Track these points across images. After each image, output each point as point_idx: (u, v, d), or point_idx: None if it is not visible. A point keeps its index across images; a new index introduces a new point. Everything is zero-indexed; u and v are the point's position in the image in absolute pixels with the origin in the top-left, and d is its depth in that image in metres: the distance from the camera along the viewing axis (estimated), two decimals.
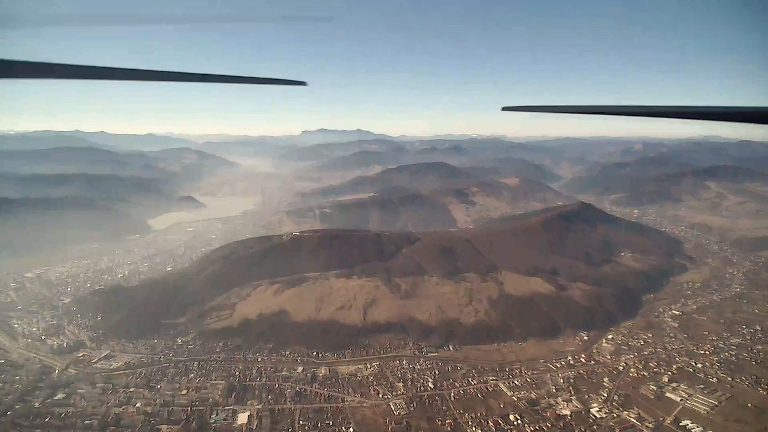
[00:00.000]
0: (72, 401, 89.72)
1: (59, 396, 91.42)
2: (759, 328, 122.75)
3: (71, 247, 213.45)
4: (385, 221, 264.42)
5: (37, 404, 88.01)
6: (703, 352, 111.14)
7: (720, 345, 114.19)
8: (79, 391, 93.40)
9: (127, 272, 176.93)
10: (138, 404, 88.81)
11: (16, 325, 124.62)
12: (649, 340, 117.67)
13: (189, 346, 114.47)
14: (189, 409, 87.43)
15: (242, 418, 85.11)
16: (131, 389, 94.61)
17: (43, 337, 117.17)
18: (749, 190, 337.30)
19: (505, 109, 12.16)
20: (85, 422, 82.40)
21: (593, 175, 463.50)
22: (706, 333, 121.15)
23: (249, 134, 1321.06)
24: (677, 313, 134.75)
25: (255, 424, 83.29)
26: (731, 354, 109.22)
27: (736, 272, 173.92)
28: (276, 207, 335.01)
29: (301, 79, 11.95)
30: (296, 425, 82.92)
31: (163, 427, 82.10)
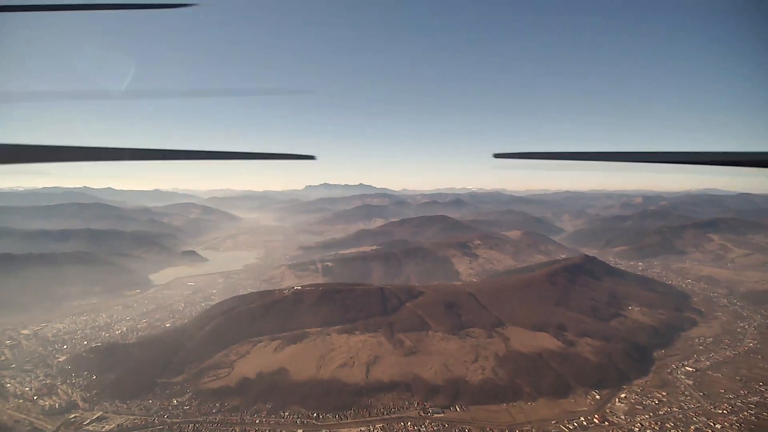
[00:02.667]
0: None
1: None
2: None
3: (71, 302, 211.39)
4: (387, 274, 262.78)
5: None
6: (720, 411, 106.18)
7: (738, 404, 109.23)
8: None
9: (125, 329, 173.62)
10: None
11: (9, 385, 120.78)
12: (664, 399, 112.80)
13: (184, 407, 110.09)
14: None
15: None
16: None
17: (35, 398, 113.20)
18: (753, 242, 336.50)
19: (497, 156, 12.29)
20: None
21: (595, 228, 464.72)
22: (723, 391, 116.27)
23: (253, 189, 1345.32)
24: (691, 369, 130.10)
25: None
26: (750, 413, 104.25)
27: (747, 326, 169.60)
28: (278, 261, 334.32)
29: (310, 153, 12.08)
30: None
31: None
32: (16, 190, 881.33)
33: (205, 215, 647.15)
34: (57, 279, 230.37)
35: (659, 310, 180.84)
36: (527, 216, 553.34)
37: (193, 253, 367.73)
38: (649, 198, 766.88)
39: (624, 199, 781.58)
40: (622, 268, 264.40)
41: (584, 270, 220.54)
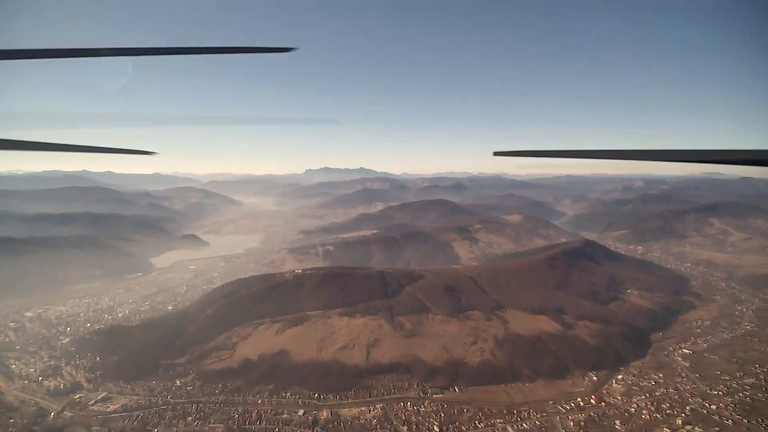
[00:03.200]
0: None
1: None
2: None
3: (73, 286, 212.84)
4: (388, 258, 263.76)
5: None
6: (716, 392, 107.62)
7: (734, 385, 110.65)
8: None
9: (127, 311, 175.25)
10: None
11: (14, 366, 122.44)
12: (661, 381, 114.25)
13: (188, 388, 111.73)
14: None
15: None
16: None
17: (39, 379, 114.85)
18: (753, 226, 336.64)
19: (497, 154, 12.28)
20: None
21: (595, 212, 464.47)
22: (719, 373, 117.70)
23: (253, 173, 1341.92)
24: (688, 352, 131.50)
25: None
26: (746, 395, 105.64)
27: (745, 310, 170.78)
28: (279, 245, 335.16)
29: (291, 46, 11.84)
30: None
31: None
32: (15, 173, 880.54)
33: (205, 199, 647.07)
34: (58, 262, 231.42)
35: (658, 294, 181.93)
36: (528, 200, 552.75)
37: (193, 237, 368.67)
38: (651, 182, 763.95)
39: (625, 183, 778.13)
40: (622, 252, 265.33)
41: (584, 254, 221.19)
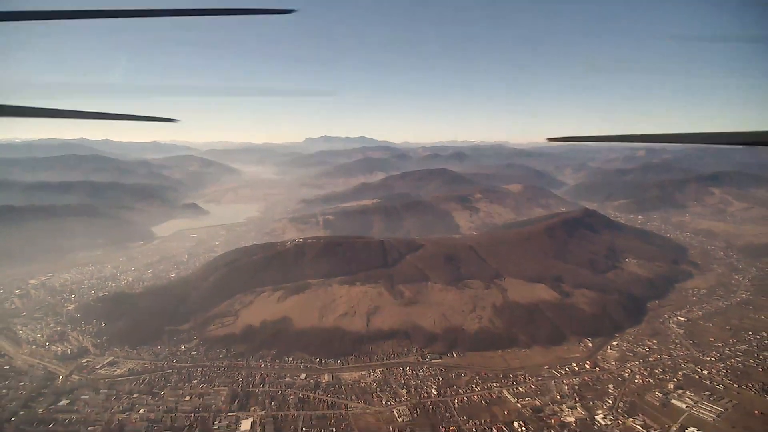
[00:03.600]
0: (76, 408, 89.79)
1: (63, 402, 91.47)
2: (766, 335, 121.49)
3: (75, 254, 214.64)
4: (388, 228, 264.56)
5: (41, 410, 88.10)
6: (709, 359, 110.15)
7: (726, 352, 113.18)
8: (82, 397, 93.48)
9: (130, 279, 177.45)
10: (141, 411, 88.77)
11: (21, 332, 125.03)
12: (655, 347, 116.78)
13: (192, 353, 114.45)
14: (192, 415, 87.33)
15: (245, 424, 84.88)
16: (135, 396, 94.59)
17: (47, 344, 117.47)
18: (754, 196, 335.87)
19: (550, 140, 12.81)
20: (89, 428, 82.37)
21: (596, 182, 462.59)
22: (712, 340, 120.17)
23: (252, 141, 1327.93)
24: (683, 319, 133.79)
25: (258, 430, 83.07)
26: (738, 361, 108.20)
27: (742, 279, 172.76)
28: (279, 214, 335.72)
29: (289, 8, 11.64)
30: None
31: None
32: (13, 141, 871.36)
33: (204, 168, 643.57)
34: (60, 231, 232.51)
35: (656, 263, 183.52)
36: (529, 169, 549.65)
37: (194, 205, 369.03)
38: (653, 151, 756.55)
39: (627, 152, 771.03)
40: (622, 222, 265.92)
41: (583, 223, 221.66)
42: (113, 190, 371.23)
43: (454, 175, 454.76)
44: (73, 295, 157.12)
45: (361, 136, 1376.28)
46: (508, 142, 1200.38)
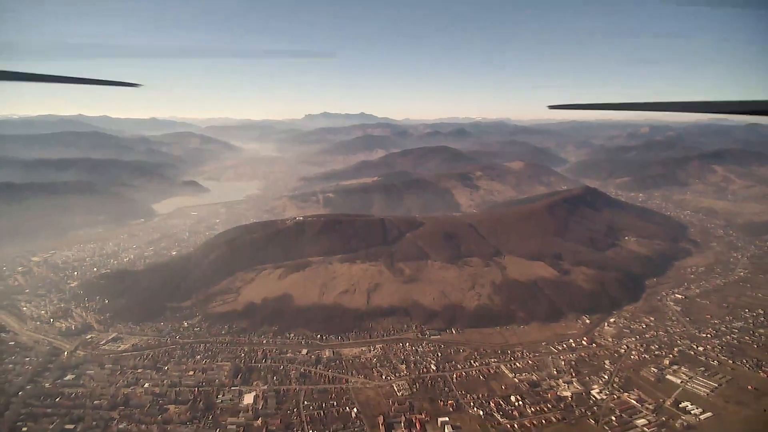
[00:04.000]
0: (81, 382, 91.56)
1: (69, 377, 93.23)
2: (762, 312, 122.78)
3: (76, 231, 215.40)
4: (388, 206, 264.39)
5: (47, 385, 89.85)
6: (704, 335, 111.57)
7: (722, 329, 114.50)
8: (88, 372, 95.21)
9: (132, 256, 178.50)
10: (146, 385, 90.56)
11: (25, 308, 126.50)
12: (651, 324, 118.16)
13: (195, 329, 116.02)
14: (196, 389, 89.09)
15: (248, 398, 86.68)
16: (139, 370, 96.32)
17: (51, 320, 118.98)
18: (756, 174, 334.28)
19: (552, 107, 12.52)
20: (95, 402, 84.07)
21: (599, 159, 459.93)
22: (709, 317, 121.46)
23: (252, 118, 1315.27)
24: (680, 297, 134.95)
25: (261, 404, 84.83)
26: (733, 337, 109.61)
27: (740, 257, 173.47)
28: (279, 192, 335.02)
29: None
30: (301, 406, 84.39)
31: (171, 407, 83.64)
32: (10, 118, 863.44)
33: (204, 145, 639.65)
34: (60, 208, 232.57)
35: (655, 241, 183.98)
36: (531, 146, 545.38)
37: (194, 183, 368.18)
38: (656, 128, 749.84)
39: (630, 129, 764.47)
40: (623, 200, 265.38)
41: (584, 201, 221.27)
42: (113, 167, 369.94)
43: (454, 152, 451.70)
44: (75, 272, 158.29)
45: (362, 113, 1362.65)
46: (510, 118, 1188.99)
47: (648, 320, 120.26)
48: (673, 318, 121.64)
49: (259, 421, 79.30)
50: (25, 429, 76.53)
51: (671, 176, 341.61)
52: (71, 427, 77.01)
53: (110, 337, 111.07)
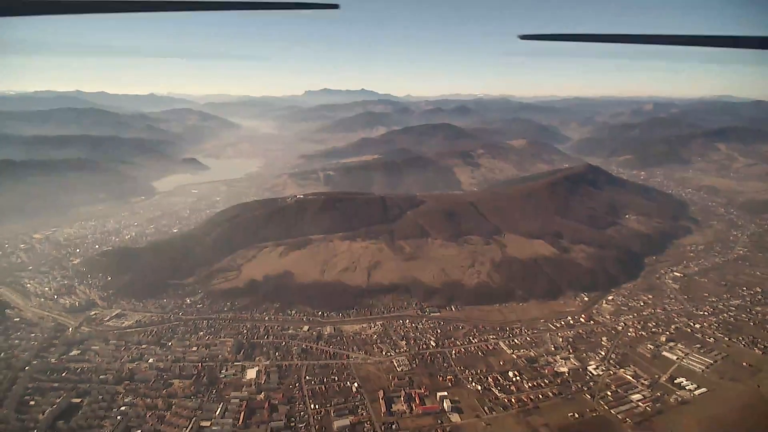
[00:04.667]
0: (87, 357, 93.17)
1: (74, 352, 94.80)
2: (759, 290, 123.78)
3: (78, 208, 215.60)
4: (389, 184, 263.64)
5: (53, 360, 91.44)
6: (702, 313, 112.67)
7: (719, 306, 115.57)
8: (93, 348, 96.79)
9: (134, 234, 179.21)
10: (150, 360, 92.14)
11: (29, 285, 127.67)
12: (649, 302, 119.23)
13: (197, 306, 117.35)
14: (200, 365, 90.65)
15: (251, 373, 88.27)
16: (143, 346, 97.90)
17: (55, 297, 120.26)
18: (760, 152, 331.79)
19: (523, 37, 11.81)
20: (101, 377, 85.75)
21: (601, 137, 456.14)
22: (707, 295, 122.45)
23: (251, 94, 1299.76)
24: (679, 275, 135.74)
25: (263, 379, 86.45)
26: (730, 315, 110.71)
27: (740, 235, 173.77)
28: (280, 169, 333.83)
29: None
30: (303, 380, 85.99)
31: (176, 381, 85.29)
32: (6, 94, 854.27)
33: (203, 122, 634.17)
34: (61, 186, 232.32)
35: (656, 219, 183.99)
36: (534, 124, 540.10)
37: (194, 160, 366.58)
38: (661, 105, 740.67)
39: (634, 106, 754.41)
40: (624, 178, 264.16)
41: (586, 179, 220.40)
42: (112, 144, 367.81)
43: (456, 130, 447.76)
44: (77, 250, 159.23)
45: (362, 89, 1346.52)
46: (513, 95, 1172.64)
47: (646, 298, 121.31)
48: (671, 296, 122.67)
49: (262, 396, 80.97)
50: (32, 403, 78.24)
51: (674, 154, 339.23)
52: (78, 401, 78.72)
53: (114, 314, 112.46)
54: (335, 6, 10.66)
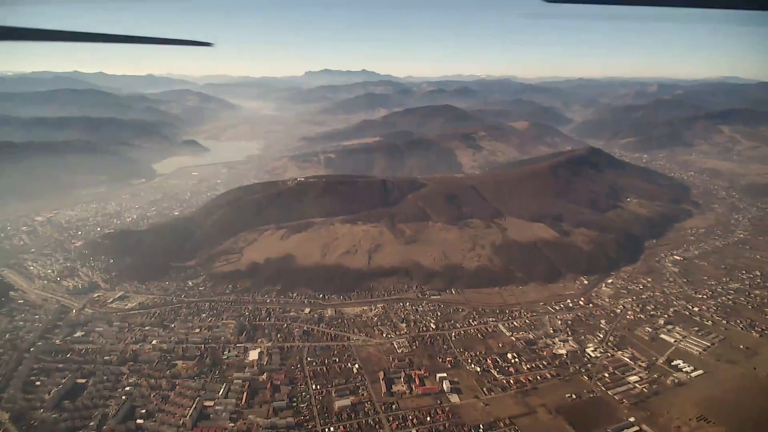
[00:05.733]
0: (91, 339, 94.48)
1: (78, 334, 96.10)
2: (759, 274, 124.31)
3: (78, 191, 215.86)
4: (390, 167, 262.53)
5: (58, 341, 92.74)
6: (700, 296, 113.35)
7: (718, 289, 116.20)
8: (96, 329, 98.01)
9: (135, 216, 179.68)
10: (154, 342, 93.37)
11: (32, 268, 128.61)
12: (649, 285, 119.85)
13: (200, 288, 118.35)
14: (202, 346, 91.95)
15: (253, 354, 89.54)
16: (146, 328, 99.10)
17: (58, 279, 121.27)
18: (764, 135, 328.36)
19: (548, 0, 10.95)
20: (105, 358, 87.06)
21: (604, 119, 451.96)
22: (706, 278, 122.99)
23: (251, 75, 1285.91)
24: (678, 258, 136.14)
25: (265, 360, 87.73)
26: (728, 298, 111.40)
27: (741, 218, 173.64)
28: (280, 151, 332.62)
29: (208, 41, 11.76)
30: (304, 362, 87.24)
31: (179, 362, 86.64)
32: (4, 74, 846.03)
33: (202, 103, 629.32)
34: (61, 167, 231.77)
35: (657, 202, 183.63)
36: (536, 105, 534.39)
37: (194, 142, 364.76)
38: (665, 86, 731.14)
39: (638, 87, 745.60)
40: (627, 161, 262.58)
41: (588, 162, 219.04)
42: (111, 126, 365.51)
43: (458, 111, 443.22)
44: (79, 232, 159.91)
45: (363, 70, 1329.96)
46: (516, 76, 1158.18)
47: (645, 281, 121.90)
48: (670, 279, 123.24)
49: (264, 376, 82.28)
50: (38, 383, 79.69)
51: (677, 136, 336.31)
52: (83, 381, 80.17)
53: (117, 296, 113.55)
54: (209, 44, 11.30)
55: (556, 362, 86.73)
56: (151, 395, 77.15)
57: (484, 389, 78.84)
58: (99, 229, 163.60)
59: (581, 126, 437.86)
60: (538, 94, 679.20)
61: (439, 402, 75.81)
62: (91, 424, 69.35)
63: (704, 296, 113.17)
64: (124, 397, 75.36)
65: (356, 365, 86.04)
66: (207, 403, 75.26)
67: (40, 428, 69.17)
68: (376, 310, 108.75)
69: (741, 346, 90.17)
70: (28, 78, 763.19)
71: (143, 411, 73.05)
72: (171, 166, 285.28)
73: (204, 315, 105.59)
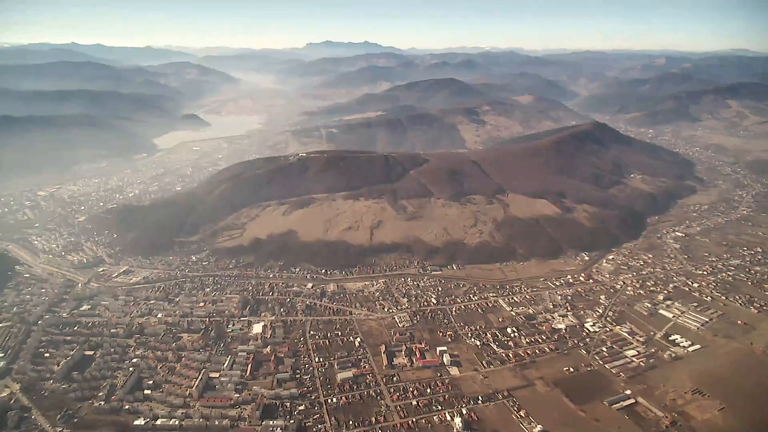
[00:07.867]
0: (97, 312, 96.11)
1: (85, 307, 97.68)
2: (760, 250, 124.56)
3: (80, 165, 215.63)
4: (392, 142, 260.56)
5: (65, 315, 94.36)
6: (701, 272, 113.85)
7: (719, 266, 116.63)
8: (102, 303, 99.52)
9: (137, 191, 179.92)
10: (159, 315, 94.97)
11: (36, 242, 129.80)
12: (649, 261, 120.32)
13: (203, 263, 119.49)
14: (207, 320, 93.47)
15: (257, 328, 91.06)
16: (152, 302, 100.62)
17: (63, 254, 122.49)
18: None
19: None
20: (111, 330, 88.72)
21: (610, 93, 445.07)
22: (707, 254, 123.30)
23: (251, 47, 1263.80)
24: (680, 234, 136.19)
25: (269, 333, 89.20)
26: (729, 275, 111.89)
27: (745, 195, 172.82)
28: (281, 126, 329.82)
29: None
30: (307, 335, 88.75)
31: (184, 335, 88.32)
32: (2, 47, 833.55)
33: (202, 76, 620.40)
34: (62, 142, 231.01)
35: (661, 178, 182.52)
36: (541, 79, 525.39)
37: (194, 116, 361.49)
38: (673, 59, 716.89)
39: (646, 60, 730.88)
40: (632, 136, 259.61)
41: (592, 137, 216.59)
42: (111, 99, 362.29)
43: (462, 85, 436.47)
44: (82, 207, 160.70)
45: (365, 42, 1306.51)
46: (521, 48, 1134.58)
47: (646, 257, 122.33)
48: (671, 255, 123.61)
49: (268, 349, 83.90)
50: (47, 355, 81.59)
51: (683, 111, 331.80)
52: (90, 353, 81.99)
53: (122, 270, 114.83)
54: None
55: (555, 337, 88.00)
56: (158, 367, 78.99)
57: (484, 362, 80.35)
58: (102, 204, 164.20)
59: (587, 100, 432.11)
60: (544, 67, 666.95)
61: (439, 374, 77.38)
62: (100, 394, 71.13)
63: (704, 272, 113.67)
64: (131, 369, 77.07)
65: (358, 339, 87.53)
66: (212, 375, 77.09)
67: (50, 398, 71.01)
68: (378, 285, 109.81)
69: (739, 322, 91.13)
70: (26, 50, 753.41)
71: (150, 382, 74.91)
72: (172, 140, 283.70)
73: (208, 289, 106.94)
